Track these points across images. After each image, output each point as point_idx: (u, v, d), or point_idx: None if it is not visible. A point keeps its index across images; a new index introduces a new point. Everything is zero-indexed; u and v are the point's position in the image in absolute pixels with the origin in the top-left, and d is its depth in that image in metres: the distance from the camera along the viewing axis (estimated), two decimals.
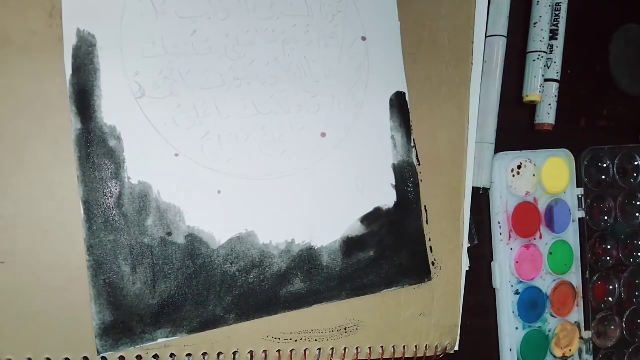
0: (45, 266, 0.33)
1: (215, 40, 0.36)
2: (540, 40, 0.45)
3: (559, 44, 0.46)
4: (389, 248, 0.40)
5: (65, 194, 0.33)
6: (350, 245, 0.39)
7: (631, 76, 0.51)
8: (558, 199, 0.47)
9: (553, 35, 0.45)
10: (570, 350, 0.47)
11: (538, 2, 0.45)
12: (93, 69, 0.33)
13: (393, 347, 0.40)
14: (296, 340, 0.38)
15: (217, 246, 0.36)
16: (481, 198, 0.44)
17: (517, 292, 0.45)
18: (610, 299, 0.49)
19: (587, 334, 0.48)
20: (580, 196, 0.48)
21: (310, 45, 0.38)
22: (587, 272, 0.48)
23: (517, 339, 0.45)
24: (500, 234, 0.45)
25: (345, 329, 0.39)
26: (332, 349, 0.39)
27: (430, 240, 0.41)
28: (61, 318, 0.33)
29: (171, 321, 0.35)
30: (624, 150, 0.49)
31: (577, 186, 0.48)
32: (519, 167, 0.45)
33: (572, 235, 0.47)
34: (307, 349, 0.38)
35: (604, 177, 0.49)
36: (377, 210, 0.39)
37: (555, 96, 0.46)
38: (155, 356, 0.35)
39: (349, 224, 0.39)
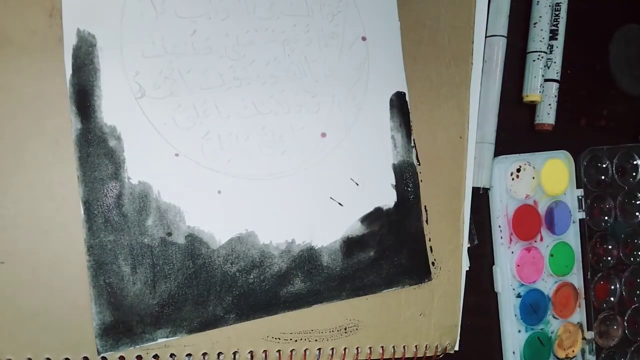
0: (45, 266, 0.33)
1: (215, 40, 0.36)
2: (540, 40, 0.45)
3: (559, 44, 0.46)
4: (389, 248, 0.39)
5: (65, 194, 0.33)
6: (350, 245, 0.39)
7: (631, 76, 0.51)
8: (558, 200, 0.46)
9: (553, 35, 0.45)
10: (573, 351, 0.47)
11: (538, 2, 0.45)
12: (93, 68, 0.33)
13: (393, 347, 0.40)
14: (296, 340, 0.38)
15: (217, 246, 0.36)
16: (481, 198, 0.44)
17: (519, 295, 0.45)
18: (612, 298, 0.49)
19: (589, 335, 0.48)
20: (580, 197, 0.48)
21: (310, 45, 0.38)
22: (589, 273, 0.48)
23: (520, 342, 0.45)
24: (501, 237, 0.44)
25: (345, 329, 0.39)
26: (332, 349, 0.39)
27: (430, 240, 0.41)
28: (61, 318, 0.33)
29: (171, 321, 0.35)
30: (622, 149, 0.49)
31: (577, 187, 0.48)
32: (518, 170, 0.45)
33: (572, 237, 0.47)
34: (307, 349, 0.38)
35: (603, 177, 0.49)
36: (377, 210, 0.39)
37: (555, 96, 0.46)
38: (155, 356, 0.35)
39: (349, 224, 0.39)
